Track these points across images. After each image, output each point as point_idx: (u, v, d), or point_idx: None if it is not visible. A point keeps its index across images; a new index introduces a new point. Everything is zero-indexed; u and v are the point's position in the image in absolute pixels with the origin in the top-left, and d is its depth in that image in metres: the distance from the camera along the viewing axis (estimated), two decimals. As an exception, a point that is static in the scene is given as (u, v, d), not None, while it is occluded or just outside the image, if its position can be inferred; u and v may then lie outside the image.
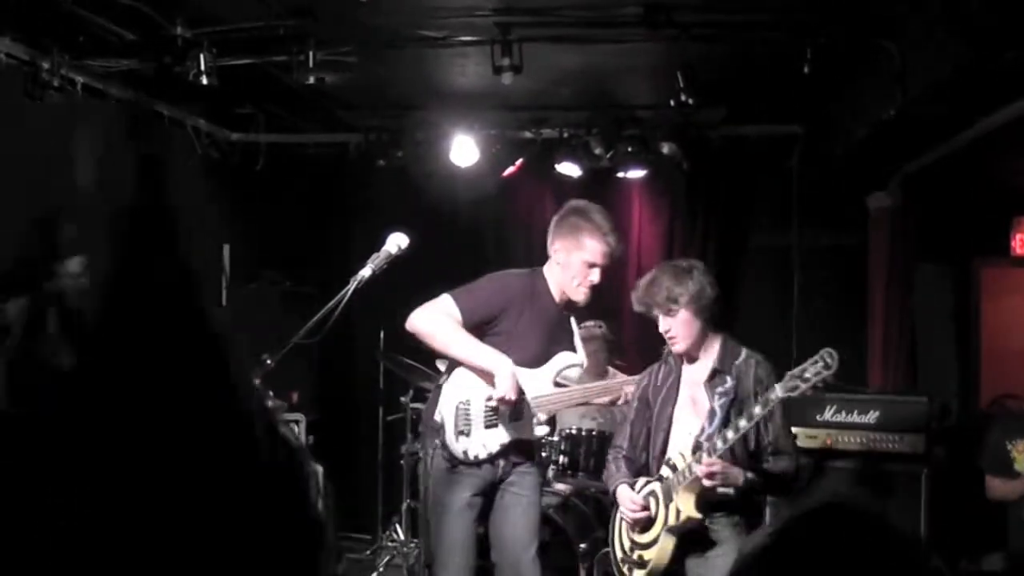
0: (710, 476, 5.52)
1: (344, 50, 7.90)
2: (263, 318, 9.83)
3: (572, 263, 6.17)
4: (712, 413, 5.63)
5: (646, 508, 5.82)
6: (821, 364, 5.61)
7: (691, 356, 5.97)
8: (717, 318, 5.93)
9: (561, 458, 8.40)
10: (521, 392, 5.98)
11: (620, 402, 6.64)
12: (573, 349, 6.43)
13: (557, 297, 6.25)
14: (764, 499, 6.13)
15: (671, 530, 5.70)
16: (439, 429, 5.94)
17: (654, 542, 5.79)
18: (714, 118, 10.20)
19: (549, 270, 6.27)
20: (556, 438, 8.56)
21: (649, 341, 11.13)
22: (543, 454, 8.51)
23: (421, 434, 6.47)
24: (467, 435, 6.00)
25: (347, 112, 10.41)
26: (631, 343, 10.94)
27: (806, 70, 7.43)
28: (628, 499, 5.91)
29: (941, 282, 10.19)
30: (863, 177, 10.23)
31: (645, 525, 5.87)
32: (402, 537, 9.46)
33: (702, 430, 5.65)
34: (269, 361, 5.14)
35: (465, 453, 5.99)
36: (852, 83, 8.75)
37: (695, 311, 5.80)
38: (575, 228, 6.20)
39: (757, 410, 5.49)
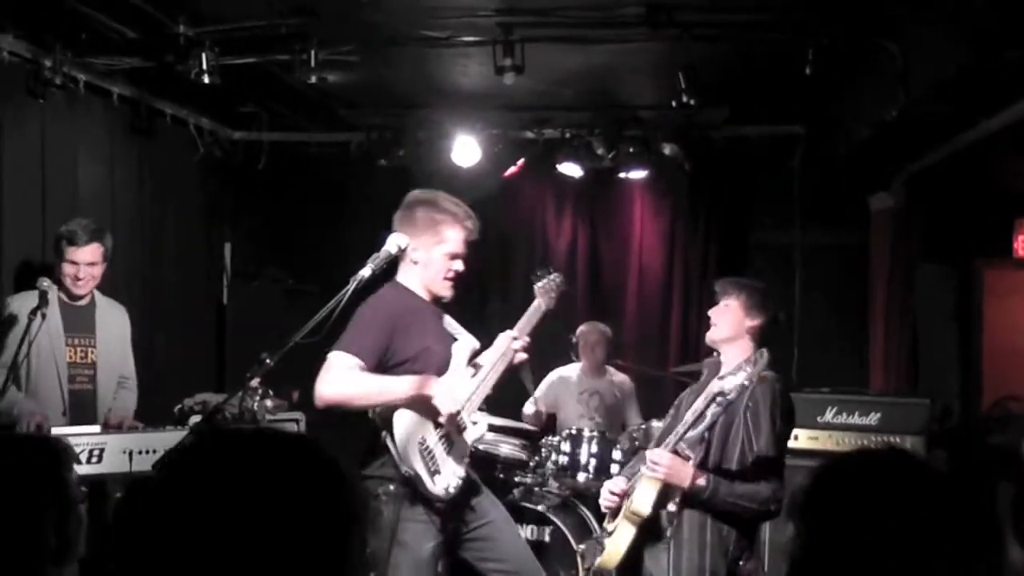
0: (653, 466, 5.56)
1: (346, 49, 7.91)
2: (265, 316, 9.85)
3: (434, 259, 5.83)
4: (700, 416, 5.62)
5: (619, 499, 5.92)
6: None
7: (718, 362, 6.00)
8: (759, 338, 5.94)
9: (561, 458, 8.39)
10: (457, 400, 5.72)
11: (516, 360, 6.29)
12: (457, 338, 6.06)
13: (427, 297, 5.92)
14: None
15: (627, 519, 5.72)
16: (410, 480, 5.52)
17: (614, 531, 5.84)
18: (716, 118, 10.21)
19: (407, 274, 5.89)
20: (556, 438, 8.56)
21: (648, 341, 11.21)
22: (543, 453, 8.52)
23: (367, 488, 5.92)
24: (439, 472, 5.64)
25: (349, 111, 10.42)
26: (631, 341, 10.96)
27: (808, 70, 7.43)
28: (606, 489, 6.02)
29: (943, 283, 10.17)
30: (865, 177, 10.25)
31: (613, 513, 5.98)
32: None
33: (687, 428, 5.66)
34: (269, 360, 5.13)
35: (446, 490, 5.64)
36: (854, 83, 8.75)
37: (743, 309, 5.90)
38: (431, 222, 5.85)
39: (711, 409, 5.53)
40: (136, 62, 8.16)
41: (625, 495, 5.87)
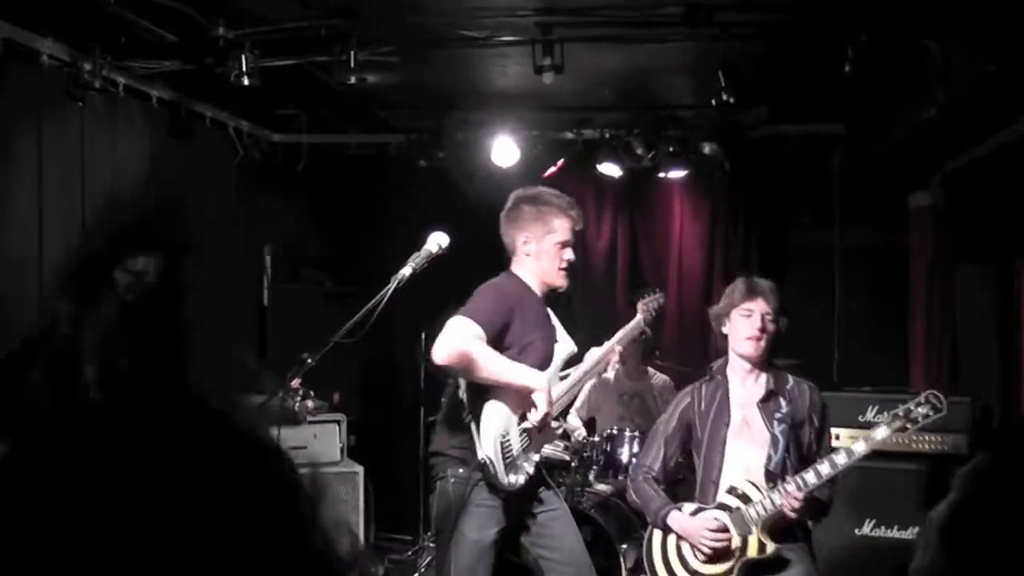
0: (797, 511, 5.51)
1: (385, 50, 7.92)
2: (305, 318, 9.87)
3: (546, 250, 6.01)
4: (775, 440, 5.64)
5: (725, 536, 5.73)
6: (929, 407, 5.58)
7: (744, 374, 5.94)
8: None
9: (602, 459, 8.39)
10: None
11: (614, 359, 6.43)
12: (558, 339, 6.19)
13: (539, 292, 6.04)
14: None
15: (748, 562, 5.64)
16: (485, 467, 5.61)
17: (727, 574, 5.70)
18: (755, 118, 10.19)
19: (521, 267, 6.05)
20: (597, 439, 8.55)
21: (688, 341, 11.19)
22: (585, 454, 8.52)
23: (435, 465, 5.94)
24: (514, 467, 5.73)
25: (388, 112, 10.44)
26: (672, 344, 10.95)
27: (847, 69, 7.40)
28: (702, 528, 5.76)
29: (983, 282, 10.11)
30: (905, 176, 10.20)
31: (718, 556, 5.74)
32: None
33: (768, 458, 5.64)
34: (310, 360, 5.15)
35: (515, 483, 5.72)
36: (893, 82, 8.71)
37: (779, 328, 5.94)
38: (539, 214, 6.05)
39: (859, 448, 5.54)
40: (175, 65, 8.18)
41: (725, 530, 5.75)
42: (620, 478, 8.34)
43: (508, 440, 5.72)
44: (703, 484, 5.89)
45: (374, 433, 9.98)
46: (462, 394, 5.82)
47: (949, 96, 7.36)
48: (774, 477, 5.63)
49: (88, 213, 7.92)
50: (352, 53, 7.63)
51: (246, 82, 7.62)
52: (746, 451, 5.77)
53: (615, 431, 8.51)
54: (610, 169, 10.42)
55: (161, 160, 8.89)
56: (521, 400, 5.74)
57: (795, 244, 11.20)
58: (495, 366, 5.65)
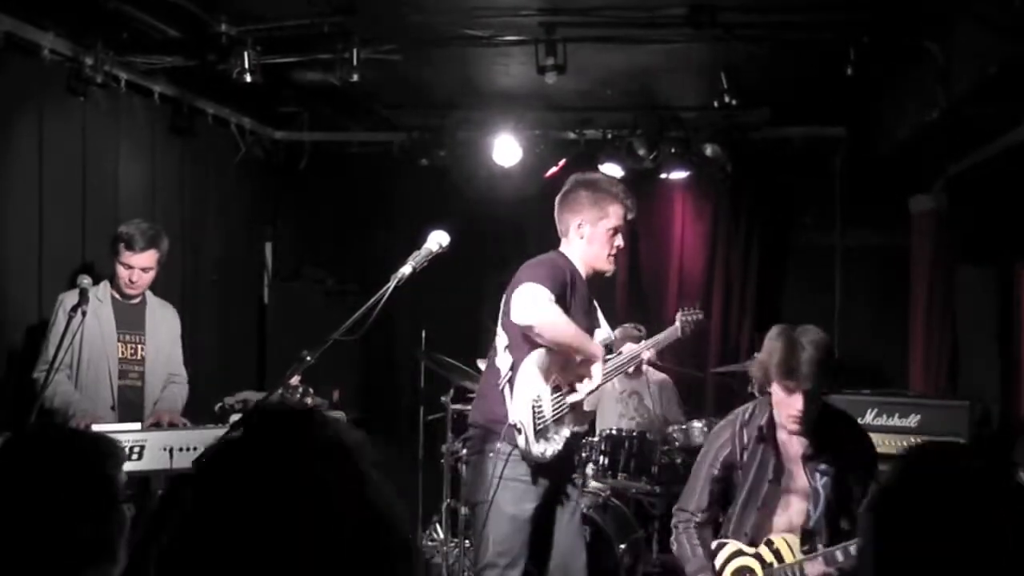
0: None
1: (388, 48, 7.91)
2: (305, 315, 9.86)
3: (599, 235, 6.10)
4: (815, 495, 5.42)
5: None
6: None
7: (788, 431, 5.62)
8: None
9: (601, 458, 8.39)
10: None
11: (646, 357, 6.49)
12: (599, 324, 6.36)
13: (585, 275, 6.12)
14: None
15: None
16: (516, 431, 5.68)
17: None
18: (758, 119, 10.18)
19: (572, 249, 6.13)
20: (596, 438, 8.55)
21: (688, 342, 11.19)
22: (583, 454, 8.52)
23: (472, 437, 6.09)
24: (544, 435, 5.78)
25: (391, 111, 10.44)
26: (671, 344, 10.94)
27: (849, 71, 7.41)
28: None
29: (984, 286, 10.12)
30: (906, 179, 10.20)
31: None
32: (442, 536, 9.47)
33: (807, 516, 5.44)
34: (309, 358, 5.14)
35: (543, 454, 5.76)
36: (895, 85, 8.71)
37: (825, 398, 5.49)
38: (596, 199, 6.13)
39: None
40: (177, 61, 8.18)
41: None
42: (619, 477, 8.34)
43: (540, 406, 5.79)
44: (735, 531, 5.67)
45: (373, 431, 9.97)
46: (499, 362, 5.92)
47: (951, 99, 7.36)
48: (812, 535, 5.42)
49: (89, 208, 7.92)
50: (355, 51, 7.62)
51: (248, 79, 7.62)
52: (786, 505, 5.57)
53: (614, 430, 8.51)
54: (612, 169, 10.37)
55: (162, 156, 8.89)
56: (559, 368, 5.89)
57: (796, 245, 11.21)
58: (570, 329, 5.79)
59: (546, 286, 5.69)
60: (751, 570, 5.56)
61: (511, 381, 5.82)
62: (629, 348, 6.59)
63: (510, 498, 5.78)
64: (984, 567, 2.23)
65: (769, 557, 5.52)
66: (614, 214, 6.12)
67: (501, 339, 5.99)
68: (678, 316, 6.77)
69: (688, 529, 5.80)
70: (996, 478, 2.42)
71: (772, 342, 5.37)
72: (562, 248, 6.17)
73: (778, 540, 5.50)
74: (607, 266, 6.19)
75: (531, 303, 5.65)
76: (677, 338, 6.76)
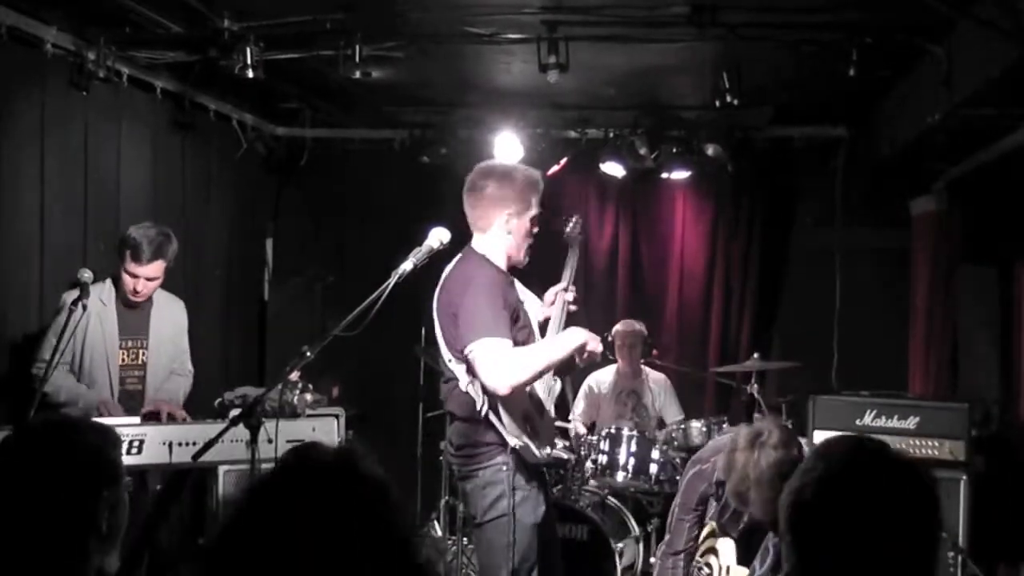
0: None
1: (390, 45, 7.90)
2: (305, 312, 9.87)
3: (523, 226, 5.84)
4: (765, 552, 5.38)
5: None
6: None
7: None
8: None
9: (600, 458, 8.39)
10: None
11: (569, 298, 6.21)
12: (527, 304, 6.09)
13: (505, 266, 5.87)
14: None
15: None
16: (521, 451, 5.56)
17: None
18: (759, 119, 10.19)
19: (494, 243, 5.86)
20: (595, 437, 8.56)
21: (688, 342, 11.19)
22: (582, 452, 8.53)
23: (466, 457, 5.80)
24: (538, 436, 5.68)
25: (392, 108, 10.44)
26: (671, 342, 10.95)
27: (852, 72, 7.40)
28: None
29: (984, 288, 10.13)
30: (908, 180, 10.21)
31: None
32: (440, 534, 9.47)
33: (753, 570, 5.48)
34: (309, 353, 5.14)
35: (547, 453, 5.69)
36: (898, 86, 8.73)
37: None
38: (521, 190, 5.84)
39: None
40: (180, 56, 8.19)
41: None
42: (618, 477, 8.35)
43: (529, 414, 5.68)
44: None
45: (372, 427, 9.97)
46: (465, 387, 5.66)
47: (953, 101, 7.36)
48: None
49: (90, 203, 7.93)
50: (357, 48, 7.61)
51: (251, 75, 7.60)
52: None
53: (613, 430, 8.52)
54: (613, 169, 10.41)
55: (164, 151, 8.89)
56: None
57: (797, 245, 11.21)
58: (542, 359, 5.59)
59: (500, 333, 5.49)
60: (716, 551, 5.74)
61: (491, 407, 5.61)
62: (548, 299, 6.22)
63: (527, 509, 5.67)
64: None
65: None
66: (535, 204, 5.87)
67: (458, 368, 5.72)
68: (567, 238, 6.50)
69: (676, 567, 5.99)
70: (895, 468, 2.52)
71: (734, 455, 5.21)
72: (478, 244, 5.90)
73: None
74: (524, 257, 5.95)
75: (500, 370, 5.43)
76: (576, 255, 6.44)
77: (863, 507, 2.37)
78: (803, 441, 5.41)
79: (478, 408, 5.60)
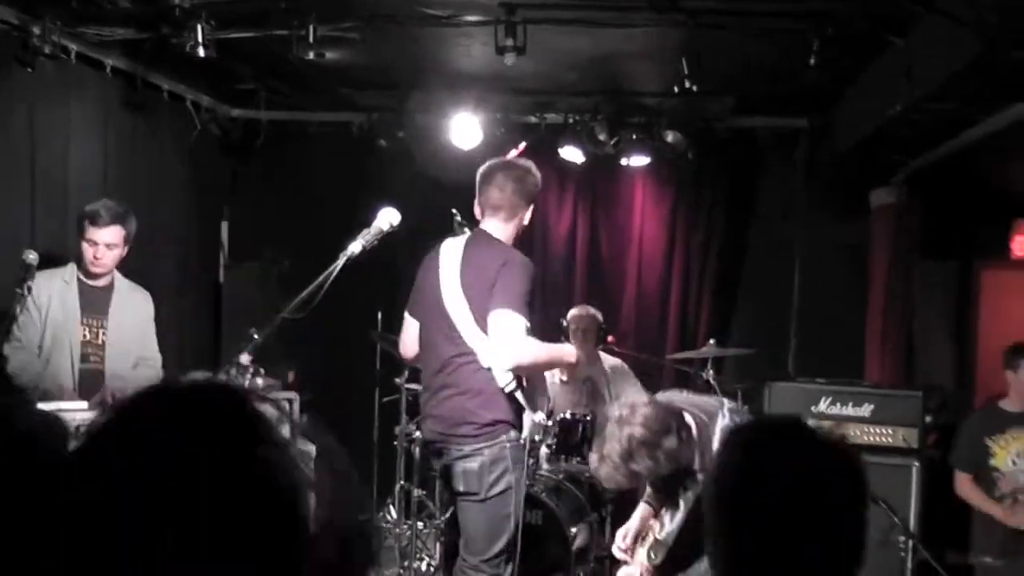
0: None
1: (346, 26, 7.82)
2: (261, 296, 9.79)
3: (525, 220, 6.33)
4: (676, 508, 5.45)
5: None
6: None
7: None
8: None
9: (554, 442, 8.36)
10: None
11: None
12: None
13: None
14: None
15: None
16: (544, 428, 6.34)
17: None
18: (721, 109, 10.17)
19: (508, 232, 6.26)
20: (550, 423, 8.52)
21: (646, 329, 11.16)
22: (536, 437, 8.49)
23: (475, 435, 6.07)
24: (536, 408, 6.15)
25: (350, 90, 10.36)
26: (630, 329, 10.93)
27: (812, 62, 7.38)
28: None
29: (942, 281, 10.18)
30: (868, 172, 10.22)
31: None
32: (395, 518, 9.44)
33: (662, 526, 5.54)
34: (257, 336, 5.09)
35: (543, 419, 6.29)
36: (859, 78, 8.72)
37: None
38: (534, 190, 6.35)
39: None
40: (130, 33, 8.03)
41: None
42: (572, 461, 8.32)
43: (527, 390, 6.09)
44: None
45: (327, 413, 9.90)
46: (487, 364, 5.96)
47: (914, 93, 7.36)
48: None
49: (38, 185, 7.81)
50: (311, 28, 7.54)
51: (202, 53, 7.48)
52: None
53: (568, 415, 8.47)
54: (572, 154, 10.36)
55: (115, 132, 8.77)
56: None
57: (756, 234, 11.20)
58: (547, 356, 6.26)
59: (525, 315, 5.82)
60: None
61: (519, 383, 6.00)
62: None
63: (520, 480, 6.10)
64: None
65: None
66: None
67: (480, 345, 5.97)
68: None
69: None
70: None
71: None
72: (495, 230, 6.23)
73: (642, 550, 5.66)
74: None
75: (514, 346, 5.81)
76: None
77: (783, 487, 2.38)
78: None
79: (502, 384, 5.94)
